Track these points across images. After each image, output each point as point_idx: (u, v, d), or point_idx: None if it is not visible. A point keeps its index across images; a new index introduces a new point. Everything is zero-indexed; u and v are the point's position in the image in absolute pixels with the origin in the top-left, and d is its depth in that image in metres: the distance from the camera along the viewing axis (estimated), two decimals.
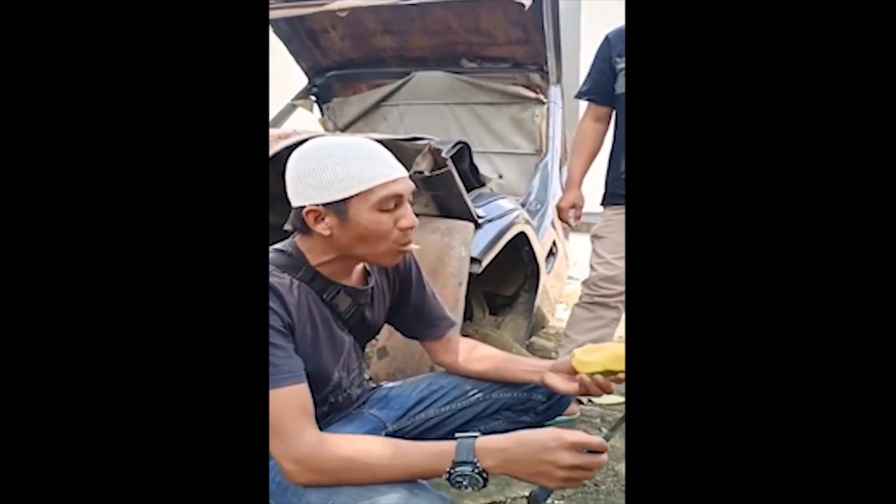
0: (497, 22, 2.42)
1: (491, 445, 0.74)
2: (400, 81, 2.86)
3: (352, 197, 0.83)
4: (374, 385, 1.16)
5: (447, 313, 1.12)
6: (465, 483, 0.73)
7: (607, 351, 0.92)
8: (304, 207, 0.85)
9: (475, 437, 0.75)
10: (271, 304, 0.82)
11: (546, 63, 2.48)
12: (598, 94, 1.59)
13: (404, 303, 1.07)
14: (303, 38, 2.81)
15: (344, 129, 3.03)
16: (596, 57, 1.60)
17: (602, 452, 0.75)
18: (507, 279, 2.25)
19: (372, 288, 1.00)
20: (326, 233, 0.86)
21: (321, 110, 3.08)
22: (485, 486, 0.74)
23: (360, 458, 0.76)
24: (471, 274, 1.59)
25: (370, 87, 2.98)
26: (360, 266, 0.98)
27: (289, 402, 0.77)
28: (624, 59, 1.50)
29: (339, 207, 0.84)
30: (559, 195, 2.03)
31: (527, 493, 0.88)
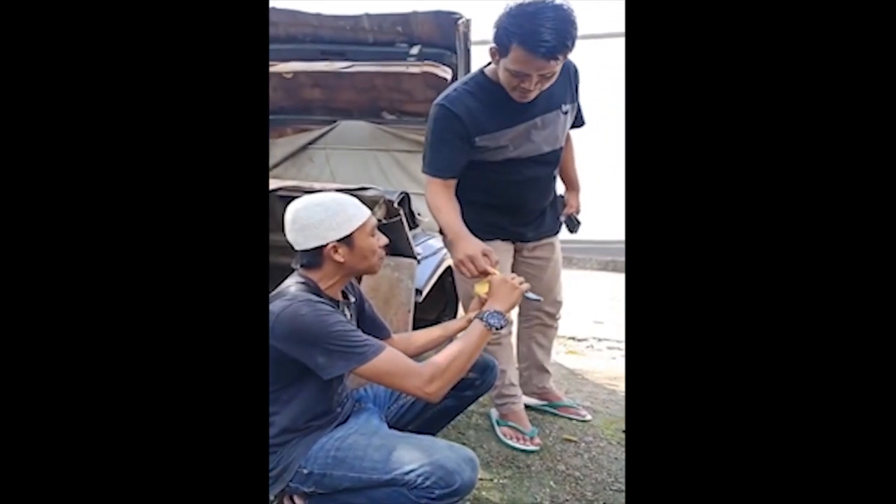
0: (417, 84, 2.82)
1: (489, 307, 1.26)
2: (326, 128, 3.16)
3: (356, 230, 1.20)
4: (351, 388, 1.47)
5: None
6: (495, 323, 1.22)
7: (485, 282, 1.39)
8: (320, 247, 1.19)
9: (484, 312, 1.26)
10: (335, 310, 1.15)
11: None
12: (452, 172, 1.63)
13: (363, 313, 1.44)
14: None
15: (271, 169, 3.24)
16: (447, 134, 1.58)
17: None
18: (430, 306, 2.60)
19: (353, 301, 1.34)
20: (341, 260, 1.20)
21: None
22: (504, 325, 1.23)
23: (453, 356, 1.13)
24: (414, 302, 1.94)
25: (296, 131, 3.23)
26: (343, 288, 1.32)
27: (396, 355, 1.11)
28: (484, 135, 1.57)
29: (348, 240, 1.20)
30: None
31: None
